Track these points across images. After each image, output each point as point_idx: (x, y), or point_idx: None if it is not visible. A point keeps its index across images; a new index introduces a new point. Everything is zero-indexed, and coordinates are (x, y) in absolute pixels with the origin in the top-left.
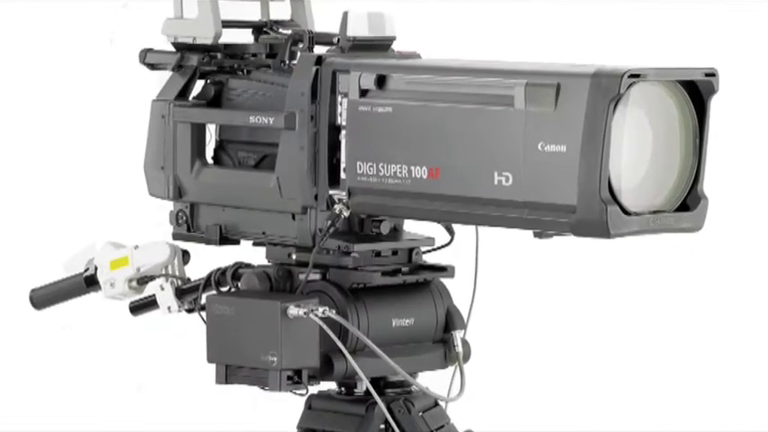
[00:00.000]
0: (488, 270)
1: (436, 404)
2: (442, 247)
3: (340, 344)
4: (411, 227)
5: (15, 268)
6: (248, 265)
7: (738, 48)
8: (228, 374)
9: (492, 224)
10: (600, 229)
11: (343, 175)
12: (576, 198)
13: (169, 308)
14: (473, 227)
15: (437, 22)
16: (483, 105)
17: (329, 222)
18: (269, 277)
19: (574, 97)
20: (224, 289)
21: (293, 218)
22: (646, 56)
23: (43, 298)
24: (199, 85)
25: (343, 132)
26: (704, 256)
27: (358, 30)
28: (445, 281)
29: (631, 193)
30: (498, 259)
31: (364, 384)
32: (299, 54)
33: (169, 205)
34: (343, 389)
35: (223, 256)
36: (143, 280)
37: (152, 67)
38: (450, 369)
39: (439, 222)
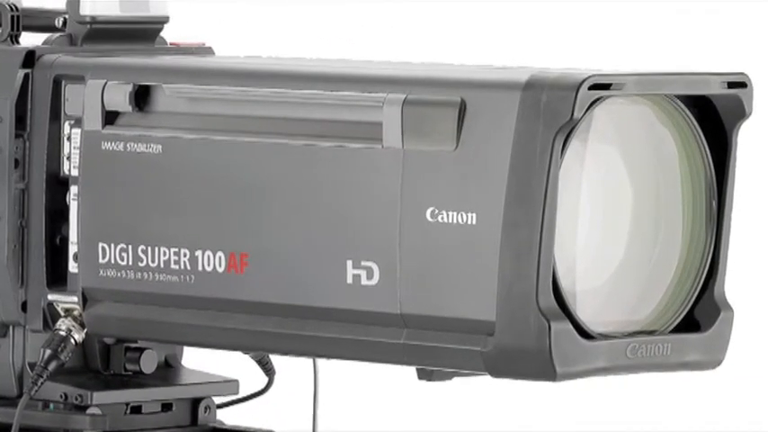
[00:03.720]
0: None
1: None
2: (253, 396)
3: None
4: (198, 360)
5: None
6: None
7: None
8: None
9: (339, 355)
10: (538, 365)
11: (73, 267)
12: (494, 308)
13: None
14: (308, 360)
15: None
16: (327, 141)
17: (48, 352)
18: None
19: (491, 125)
20: None
21: None
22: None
23: None
24: None
25: (75, 190)
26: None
27: (101, 4)
28: None
29: (594, 300)
30: None
31: None
32: None
33: None
34: None
35: None
36: None
37: None
38: None
39: (245, 352)
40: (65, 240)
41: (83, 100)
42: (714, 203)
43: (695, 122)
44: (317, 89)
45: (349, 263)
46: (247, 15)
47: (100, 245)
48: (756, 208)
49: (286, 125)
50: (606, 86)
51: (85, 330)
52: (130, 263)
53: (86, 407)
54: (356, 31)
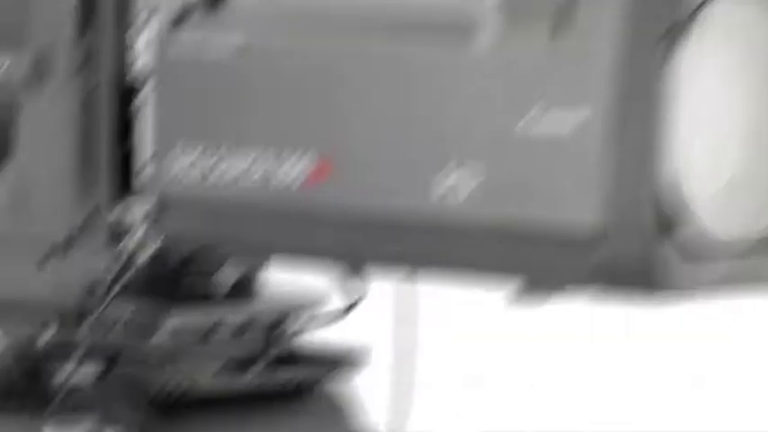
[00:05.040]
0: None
1: None
2: (347, 310)
3: None
4: (279, 276)
5: None
6: None
7: None
8: None
9: (430, 267)
10: (651, 276)
11: (143, 177)
12: (602, 215)
13: None
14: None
15: None
16: (414, 45)
17: (117, 268)
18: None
19: (592, 24)
20: None
21: (43, 262)
22: None
23: None
24: None
25: (146, 94)
26: None
27: None
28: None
29: (713, 206)
30: None
31: None
32: None
33: None
34: None
35: None
36: None
37: None
38: None
39: (334, 262)
40: (134, 148)
41: None
42: None
43: None
44: None
45: (436, 176)
46: None
47: (172, 151)
48: None
49: (374, 29)
50: None
51: (155, 246)
52: (207, 171)
53: (156, 328)
54: None
